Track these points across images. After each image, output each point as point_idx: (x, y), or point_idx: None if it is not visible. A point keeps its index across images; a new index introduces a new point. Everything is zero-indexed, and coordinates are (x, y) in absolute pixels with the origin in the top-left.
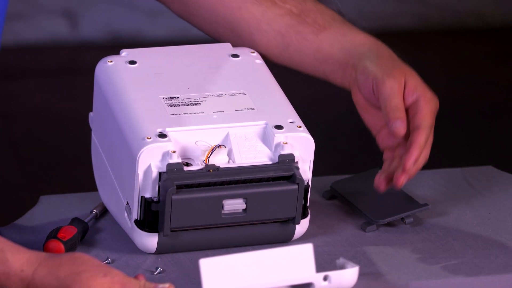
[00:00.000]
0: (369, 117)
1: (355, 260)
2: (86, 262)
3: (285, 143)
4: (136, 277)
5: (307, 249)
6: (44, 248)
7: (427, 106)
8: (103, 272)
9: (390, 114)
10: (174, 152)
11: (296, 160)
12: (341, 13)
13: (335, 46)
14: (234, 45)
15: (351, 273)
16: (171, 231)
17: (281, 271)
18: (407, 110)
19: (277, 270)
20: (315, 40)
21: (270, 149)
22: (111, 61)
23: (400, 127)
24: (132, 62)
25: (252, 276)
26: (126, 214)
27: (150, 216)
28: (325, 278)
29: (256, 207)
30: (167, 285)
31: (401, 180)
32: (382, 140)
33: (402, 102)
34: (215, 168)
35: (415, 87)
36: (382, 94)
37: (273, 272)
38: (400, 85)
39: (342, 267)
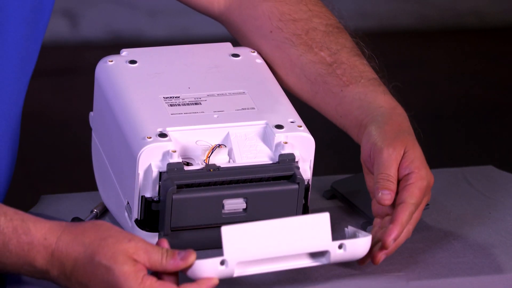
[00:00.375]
0: (369, 180)
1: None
2: (110, 228)
3: (286, 143)
4: (158, 243)
5: (324, 218)
6: None
7: (418, 183)
8: (127, 238)
9: (380, 183)
10: (175, 151)
11: (296, 160)
12: (340, 15)
13: (355, 103)
14: None
15: (365, 241)
16: (172, 230)
17: (299, 239)
18: (398, 182)
19: (295, 238)
20: (339, 94)
21: (270, 148)
22: (112, 61)
23: (386, 198)
24: (133, 62)
25: (271, 244)
26: (126, 214)
27: (151, 215)
28: (340, 247)
29: (257, 207)
30: (188, 252)
31: (379, 257)
32: (374, 206)
33: (396, 173)
34: (216, 168)
35: (412, 161)
36: (377, 162)
37: (291, 240)
38: (398, 156)
39: (353, 235)
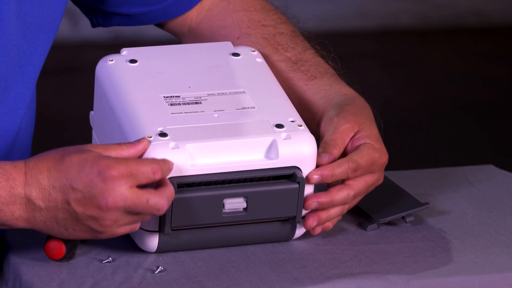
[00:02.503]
0: None
1: (356, 258)
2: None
3: None
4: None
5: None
6: (45, 248)
7: (369, 150)
8: (83, 145)
9: (322, 146)
10: None
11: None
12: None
13: (319, 94)
14: None
15: (309, 134)
16: (172, 230)
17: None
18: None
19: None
20: (302, 87)
21: None
22: (112, 60)
23: (324, 159)
24: (133, 61)
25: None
26: None
27: None
28: (285, 137)
29: (257, 206)
30: (140, 139)
31: (309, 223)
32: None
33: (342, 142)
34: None
35: (367, 136)
36: (328, 129)
37: (235, 131)
38: (349, 128)
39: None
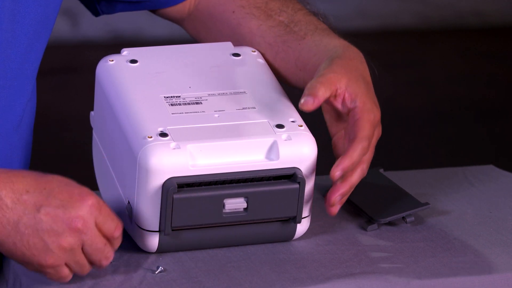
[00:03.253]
0: (327, 117)
1: (356, 258)
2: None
3: None
4: None
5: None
6: None
7: (365, 116)
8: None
9: (307, 88)
10: None
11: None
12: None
13: (312, 51)
14: None
15: (307, 134)
16: (172, 230)
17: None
18: (347, 115)
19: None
20: (297, 47)
21: None
22: (112, 60)
23: (308, 103)
24: (133, 61)
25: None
26: (127, 213)
27: None
28: (286, 138)
29: (257, 206)
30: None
31: (332, 200)
32: (334, 146)
33: (328, 87)
34: None
35: (357, 94)
36: (315, 72)
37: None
38: (335, 78)
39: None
